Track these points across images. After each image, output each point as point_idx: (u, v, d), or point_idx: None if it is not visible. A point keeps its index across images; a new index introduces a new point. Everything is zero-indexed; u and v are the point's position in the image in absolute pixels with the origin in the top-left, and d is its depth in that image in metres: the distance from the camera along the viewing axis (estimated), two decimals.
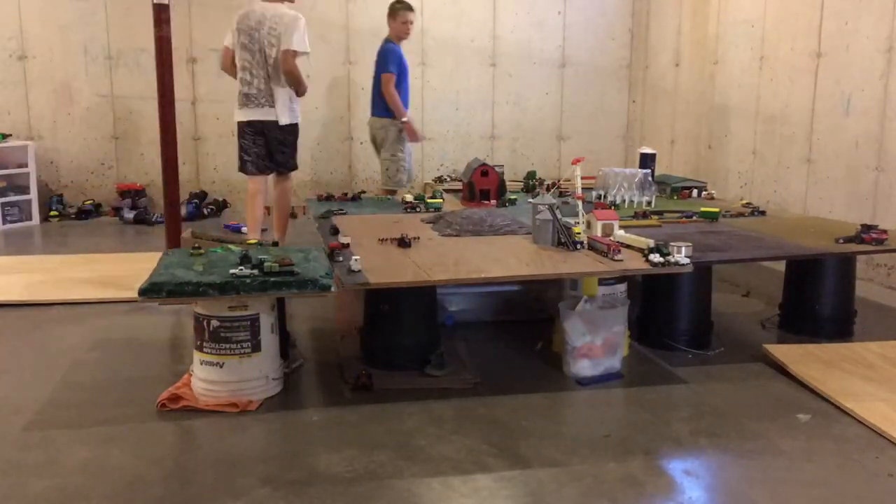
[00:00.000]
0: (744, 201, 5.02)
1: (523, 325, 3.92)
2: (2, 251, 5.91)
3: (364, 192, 5.31)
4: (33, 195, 7.04)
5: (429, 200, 4.64)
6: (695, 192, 5.06)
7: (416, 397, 3.02)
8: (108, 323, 4.02)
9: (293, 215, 7.56)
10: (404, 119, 5.73)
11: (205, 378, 2.95)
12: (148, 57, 6.45)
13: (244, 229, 6.45)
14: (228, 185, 7.67)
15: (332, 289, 2.85)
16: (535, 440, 2.69)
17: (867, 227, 3.68)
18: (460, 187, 5.21)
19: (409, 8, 5.83)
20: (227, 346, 2.89)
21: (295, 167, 5.17)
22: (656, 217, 4.24)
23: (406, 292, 3.23)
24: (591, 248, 3.35)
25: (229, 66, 4.98)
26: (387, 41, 5.81)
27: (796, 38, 5.67)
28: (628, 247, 3.35)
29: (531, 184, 5.50)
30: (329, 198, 4.97)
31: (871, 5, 4.96)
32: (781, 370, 3.31)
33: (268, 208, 7.63)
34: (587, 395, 3.13)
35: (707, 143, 6.94)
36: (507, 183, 5.12)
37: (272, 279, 2.84)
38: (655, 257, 3.13)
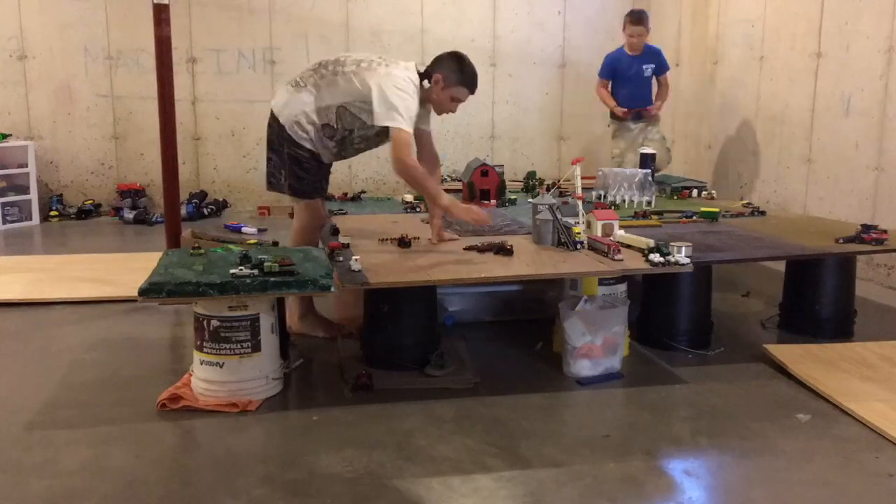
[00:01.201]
0: (744, 201, 5.01)
1: (523, 325, 3.92)
2: (2, 251, 5.90)
3: (364, 191, 5.30)
4: (33, 195, 7.03)
5: None
6: (695, 192, 5.06)
7: (416, 397, 3.01)
8: (108, 323, 4.02)
9: (292, 215, 7.59)
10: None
11: (205, 378, 2.95)
12: (148, 57, 6.45)
13: (245, 229, 6.48)
14: (228, 185, 7.68)
15: (332, 289, 2.85)
16: (535, 440, 2.69)
17: (867, 227, 3.68)
18: (460, 187, 5.20)
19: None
20: (227, 346, 2.89)
21: None
22: (656, 217, 4.23)
23: (406, 292, 3.23)
24: (591, 248, 3.35)
25: None
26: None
27: (796, 38, 5.66)
28: (628, 247, 3.35)
29: (531, 184, 5.50)
30: (329, 198, 4.96)
31: (871, 5, 4.96)
32: (781, 370, 3.31)
33: (267, 208, 7.68)
34: (587, 395, 3.12)
35: (707, 143, 6.95)
36: (507, 183, 5.11)
37: (272, 279, 2.84)
38: (655, 257, 3.13)
